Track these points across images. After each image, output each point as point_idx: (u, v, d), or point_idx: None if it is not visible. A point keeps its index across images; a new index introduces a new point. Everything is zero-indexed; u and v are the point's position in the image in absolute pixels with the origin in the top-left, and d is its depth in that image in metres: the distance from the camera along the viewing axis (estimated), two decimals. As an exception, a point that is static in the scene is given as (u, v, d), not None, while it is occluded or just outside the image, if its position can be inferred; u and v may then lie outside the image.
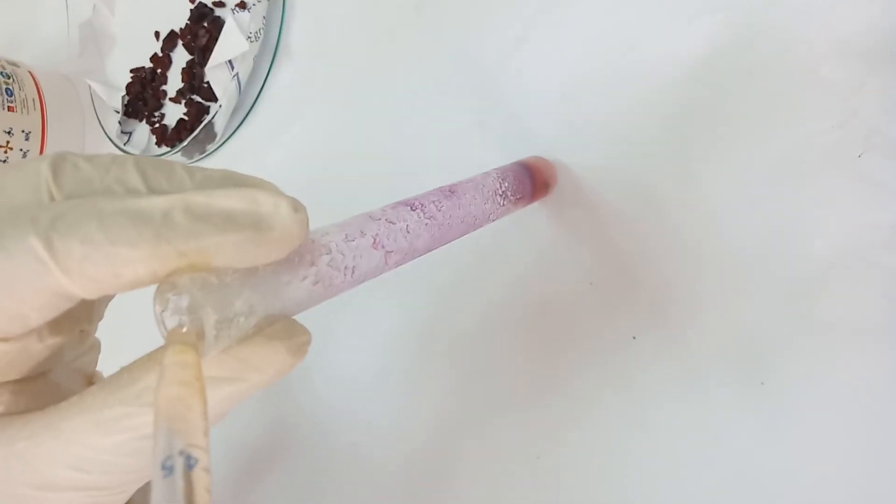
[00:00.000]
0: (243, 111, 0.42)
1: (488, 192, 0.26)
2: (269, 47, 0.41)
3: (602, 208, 0.29)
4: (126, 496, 0.16)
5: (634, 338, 0.28)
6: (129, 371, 0.15)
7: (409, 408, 0.35)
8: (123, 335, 0.31)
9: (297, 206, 0.14)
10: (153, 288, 0.14)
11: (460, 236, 0.24)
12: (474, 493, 0.32)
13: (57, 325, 0.15)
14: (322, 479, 0.38)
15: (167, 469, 0.11)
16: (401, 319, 0.36)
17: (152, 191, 0.14)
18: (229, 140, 0.43)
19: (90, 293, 0.13)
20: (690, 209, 0.27)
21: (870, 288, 0.24)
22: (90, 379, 0.18)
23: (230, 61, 0.41)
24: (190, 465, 0.11)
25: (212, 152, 0.44)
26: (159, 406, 0.11)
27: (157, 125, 0.46)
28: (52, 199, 0.13)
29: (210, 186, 0.14)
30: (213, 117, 0.40)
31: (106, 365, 0.19)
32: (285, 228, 0.14)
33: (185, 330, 0.13)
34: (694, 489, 0.26)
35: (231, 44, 0.39)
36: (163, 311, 0.14)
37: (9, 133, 0.46)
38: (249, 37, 0.39)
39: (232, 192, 0.14)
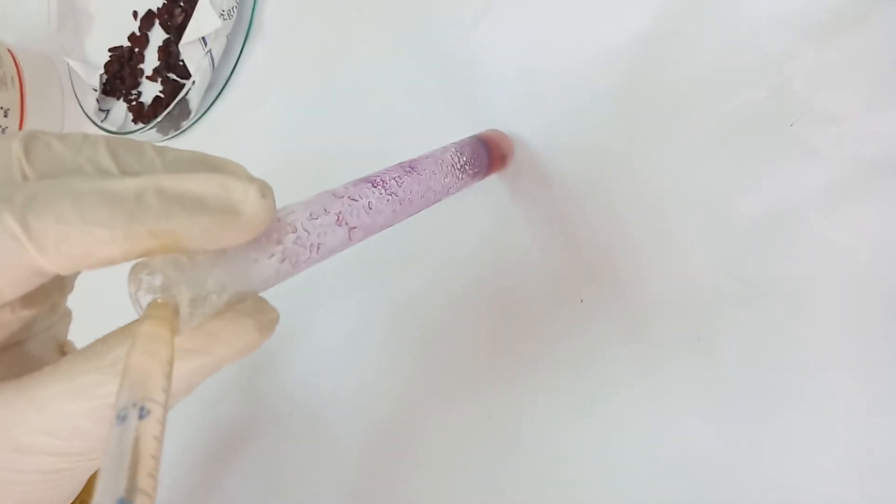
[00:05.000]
0: (217, 88, 0.43)
1: (447, 166, 0.27)
2: (243, 25, 0.41)
3: (555, 179, 0.30)
4: (97, 463, 0.16)
5: (581, 301, 0.29)
6: (104, 342, 0.15)
7: (368, 375, 0.36)
8: (95, 308, 0.32)
9: (265, 192, 0.15)
10: (127, 264, 0.14)
11: (420, 210, 0.25)
12: (433, 454, 0.33)
13: (29, 297, 0.15)
14: (285, 447, 0.39)
15: (120, 418, 0.11)
16: (358, 290, 0.37)
17: (123, 171, 0.14)
18: (204, 117, 0.44)
19: (64, 270, 0.13)
20: (635, 178, 0.28)
21: (801, 250, 0.25)
22: (62, 347, 0.19)
23: (203, 38, 0.41)
24: (142, 415, 0.12)
25: (186, 129, 0.44)
26: (126, 368, 0.12)
27: (133, 103, 0.47)
28: (24, 177, 0.14)
29: (180, 166, 0.15)
30: (186, 93, 0.41)
31: (77, 335, 0.19)
32: (254, 213, 0.14)
33: (160, 300, 0.14)
34: (637, 444, 0.27)
35: (204, 20, 0.40)
36: (137, 290, 0.14)
37: (-13, 109, 0.47)
38: (222, 14, 0.40)
39: (204, 177, 0.14)
